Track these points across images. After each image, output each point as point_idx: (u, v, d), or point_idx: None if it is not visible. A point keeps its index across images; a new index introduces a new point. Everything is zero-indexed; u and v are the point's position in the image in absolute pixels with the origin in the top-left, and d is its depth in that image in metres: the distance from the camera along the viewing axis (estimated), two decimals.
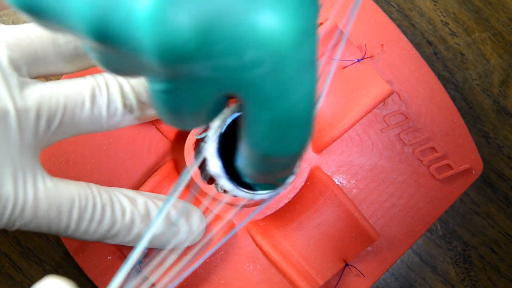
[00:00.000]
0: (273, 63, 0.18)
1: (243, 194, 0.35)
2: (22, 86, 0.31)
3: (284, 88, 0.19)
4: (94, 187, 0.33)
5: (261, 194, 0.35)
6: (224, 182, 0.35)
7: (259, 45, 0.17)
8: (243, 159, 0.26)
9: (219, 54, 0.18)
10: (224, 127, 0.32)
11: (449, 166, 0.42)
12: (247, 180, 0.29)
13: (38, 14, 0.18)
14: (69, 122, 0.32)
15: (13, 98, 0.30)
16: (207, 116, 0.23)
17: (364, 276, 0.41)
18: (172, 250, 0.37)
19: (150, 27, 0.17)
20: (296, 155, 0.23)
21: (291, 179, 0.29)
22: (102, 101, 0.33)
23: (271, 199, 0.34)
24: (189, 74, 0.19)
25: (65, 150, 0.40)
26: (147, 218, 0.35)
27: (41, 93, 0.31)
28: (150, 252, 0.39)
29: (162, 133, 0.41)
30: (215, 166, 0.33)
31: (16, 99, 0.30)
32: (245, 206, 0.40)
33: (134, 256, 0.25)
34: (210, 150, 0.32)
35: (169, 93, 0.20)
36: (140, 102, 0.34)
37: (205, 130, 0.38)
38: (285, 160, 0.23)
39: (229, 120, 0.30)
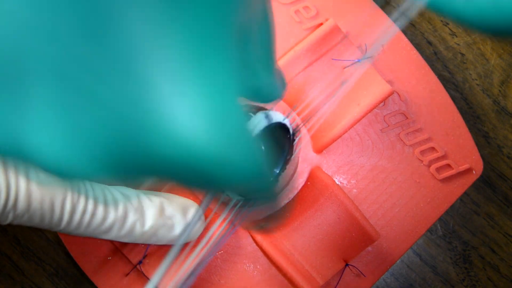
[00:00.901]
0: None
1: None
2: None
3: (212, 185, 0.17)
4: (86, 181, 0.33)
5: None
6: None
7: (170, 160, 0.15)
8: None
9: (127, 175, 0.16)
10: None
11: (449, 166, 0.42)
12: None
13: None
14: None
15: None
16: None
17: (364, 276, 0.41)
18: (172, 246, 0.38)
19: (46, 163, 0.15)
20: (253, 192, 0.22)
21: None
22: None
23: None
24: None
25: None
26: (140, 211, 0.35)
27: None
28: (149, 251, 0.39)
29: None
30: None
31: None
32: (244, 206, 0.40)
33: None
34: None
35: None
36: None
37: None
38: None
39: None
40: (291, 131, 0.40)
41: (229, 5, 0.16)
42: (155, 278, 0.26)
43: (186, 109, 0.14)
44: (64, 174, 0.15)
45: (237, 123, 0.15)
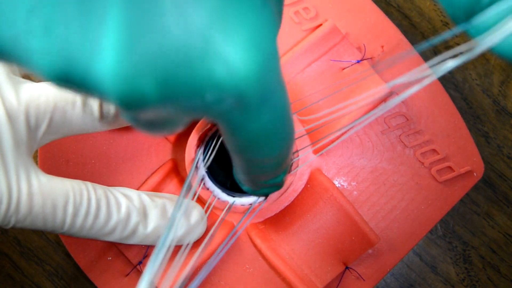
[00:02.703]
0: (235, 99, 0.19)
1: (225, 197, 0.38)
2: (12, 84, 0.31)
3: (251, 114, 0.20)
4: (88, 183, 0.34)
5: (242, 199, 0.39)
6: (210, 184, 0.39)
7: (219, 89, 0.18)
8: (235, 165, 0.28)
9: (181, 100, 0.18)
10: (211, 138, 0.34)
11: (450, 168, 0.42)
12: (245, 188, 0.32)
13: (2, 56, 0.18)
14: (60, 120, 0.32)
15: (2, 96, 0.30)
16: (183, 125, 0.24)
17: (364, 279, 0.41)
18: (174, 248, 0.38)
19: (112, 84, 0.17)
20: (277, 157, 0.25)
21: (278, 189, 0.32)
22: (94, 100, 0.33)
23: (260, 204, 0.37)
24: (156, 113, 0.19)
25: (66, 150, 0.40)
26: (142, 212, 0.35)
27: (31, 92, 0.31)
28: (150, 251, 0.39)
29: None
30: (201, 168, 0.36)
31: (5, 97, 0.30)
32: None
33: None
34: (200, 153, 0.35)
35: (139, 120, 0.21)
36: None
37: (211, 127, 0.39)
38: (269, 161, 0.26)
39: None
40: None
41: None
42: (145, 275, 0.27)
43: (238, 44, 0.17)
44: (123, 92, 0.17)
45: (274, 64, 0.19)
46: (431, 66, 0.25)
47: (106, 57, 0.17)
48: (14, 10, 0.16)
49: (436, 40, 0.24)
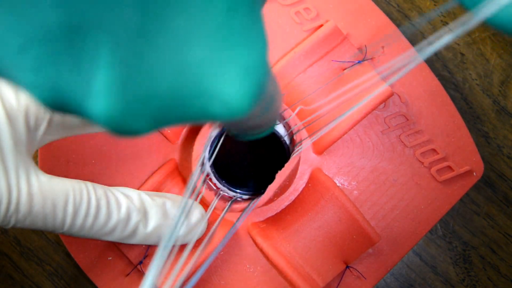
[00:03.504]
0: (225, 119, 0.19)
1: (228, 192, 0.38)
2: (11, 86, 0.31)
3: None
4: (88, 183, 0.34)
5: (243, 194, 0.40)
6: (215, 179, 0.40)
7: (212, 119, 0.18)
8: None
9: (172, 125, 0.19)
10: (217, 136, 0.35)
11: (450, 168, 0.42)
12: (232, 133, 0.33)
13: None
14: (59, 121, 0.32)
15: (2, 97, 0.30)
16: None
17: (365, 278, 0.41)
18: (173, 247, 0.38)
19: (105, 121, 0.17)
20: (267, 119, 0.27)
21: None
22: None
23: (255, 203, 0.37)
24: None
25: (66, 150, 0.40)
26: (143, 211, 0.35)
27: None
28: (150, 251, 0.39)
29: (162, 134, 0.41)
30: (207, 164, 0.38)
31: (5, 98, 0.30)
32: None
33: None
34: (206, 152, 0.36)
35: None
36: None
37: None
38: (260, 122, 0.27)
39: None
40: (287, 147, 0.41)
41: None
42: (149, 275, 0.26)
43: (233, 81, 0.17)
44: (115, 128, 0.17)
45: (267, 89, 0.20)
46: (421, 48, 0.25)
47: (98, 100, 0.17)
48: (4, 47, 0.16)
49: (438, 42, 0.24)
